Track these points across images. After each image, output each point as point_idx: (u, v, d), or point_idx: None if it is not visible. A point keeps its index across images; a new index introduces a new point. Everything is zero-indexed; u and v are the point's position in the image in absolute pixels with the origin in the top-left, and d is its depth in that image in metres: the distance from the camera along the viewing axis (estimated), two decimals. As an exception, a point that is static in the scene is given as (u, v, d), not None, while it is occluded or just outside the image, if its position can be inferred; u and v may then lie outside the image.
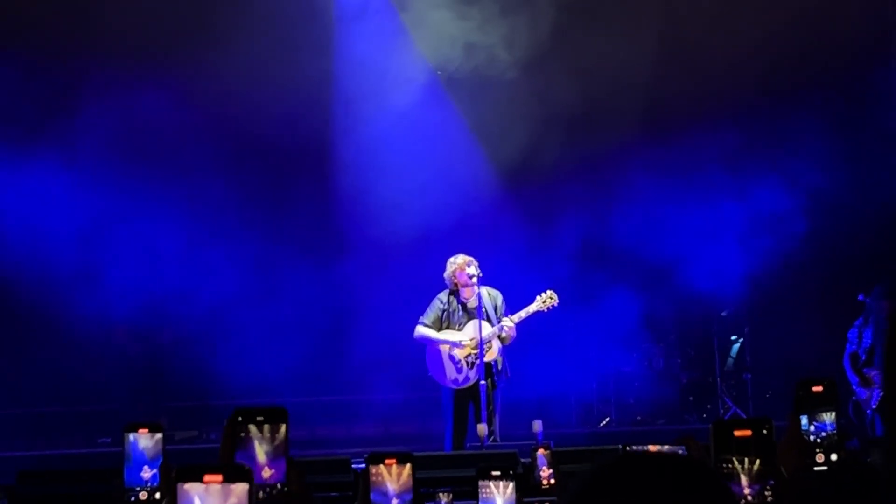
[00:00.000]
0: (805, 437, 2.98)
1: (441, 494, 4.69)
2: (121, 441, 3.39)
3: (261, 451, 2.20)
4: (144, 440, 3.39)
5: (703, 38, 12.72)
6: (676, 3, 13.03)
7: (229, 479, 1.85)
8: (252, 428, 2.21)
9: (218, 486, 1.84)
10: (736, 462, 2.58)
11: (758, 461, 2.57)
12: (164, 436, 3.37)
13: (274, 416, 2.23)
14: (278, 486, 2.20)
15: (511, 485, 3.44)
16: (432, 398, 10.69)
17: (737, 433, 2.60)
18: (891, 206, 13.64)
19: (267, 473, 2.19)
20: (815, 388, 3.03)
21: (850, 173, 13.39)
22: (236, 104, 12.93)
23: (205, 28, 12.92)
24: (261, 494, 2.18)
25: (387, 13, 13.92)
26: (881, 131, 13.57)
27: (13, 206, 13.14)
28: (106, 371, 13.42)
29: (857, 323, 11.01)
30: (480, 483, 3.47)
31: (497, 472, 3.47)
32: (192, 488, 1.85)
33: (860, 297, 10.76)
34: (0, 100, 13.10)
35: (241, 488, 1.85)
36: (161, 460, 3.35)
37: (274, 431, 2.22)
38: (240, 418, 2.22)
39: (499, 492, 3.45)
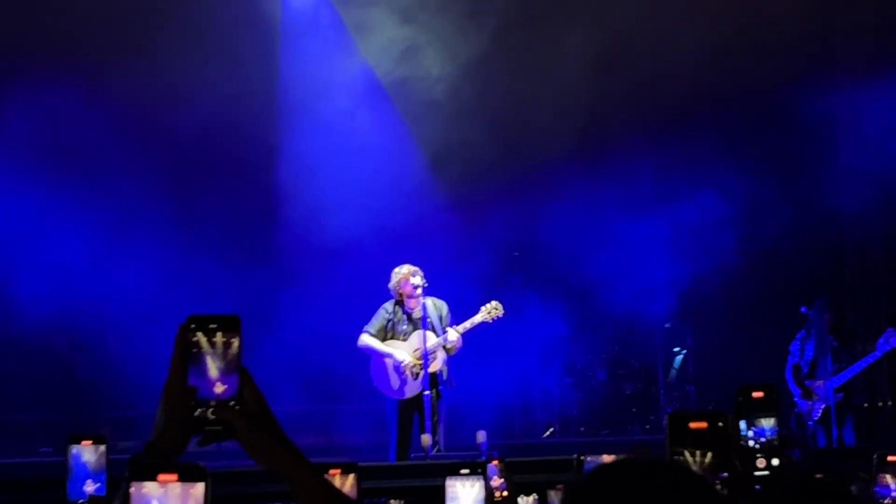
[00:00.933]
0: (743, 442, 2.98)
1: (392, 502, 4.65)
2: (64, 452, 3.32)
3: (213, 366, 2.13)
4: (88, 453, 3.33)
5: (640, 51, 12.82)
6: (615, 18, 13.08)
7: (184, 478, 1.82)
8: (203, 342, 2.14)
9: (173, 486, 1.81)
10: (688, 455, 2.56)
11: (710, 454, 2.56)
12: (107, 448, 3.30)
13: (227, 326, 2.15)
14: (231, 402, 2.13)
15: (479, 483, 3.41)
16: (375, 409, 10.64)
17: (692, 426, 2.58)
18: (829, 218, 13.79)
19: (219, 389, 2.12)
20: (755, 394, 3.03)
21: (789, 186, 13.50)
22: (166, 111, 12.76)
23: (140, 34, 12.78)
24: (206, 409, 2.12)
25: (332, 21, 13.89)
26: (819, 144, 13.68)
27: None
28: (45, 379, 13.22)
29: (799, 335, 11.10)
30: (448, 481, 3.44)
31: (466, 471, 3.44)
32: (145, 487, 1.81)
33: (803, 310, 10.84)
34: None
35: (196, 487, 1.82)
36: (105, 474, 3.29)
37: (227, 346, 2.14)
38: (192, 326, 2.15)
39: (465, 490, 3.42)
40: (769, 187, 13.44)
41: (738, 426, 2.99)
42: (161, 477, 1.82)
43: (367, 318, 10.20)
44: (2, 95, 12.86)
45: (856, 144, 13.58)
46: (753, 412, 3.02)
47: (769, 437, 3.00)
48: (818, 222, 13.62)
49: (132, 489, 1.82)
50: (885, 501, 3.17)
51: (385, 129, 13.84)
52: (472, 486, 3.43)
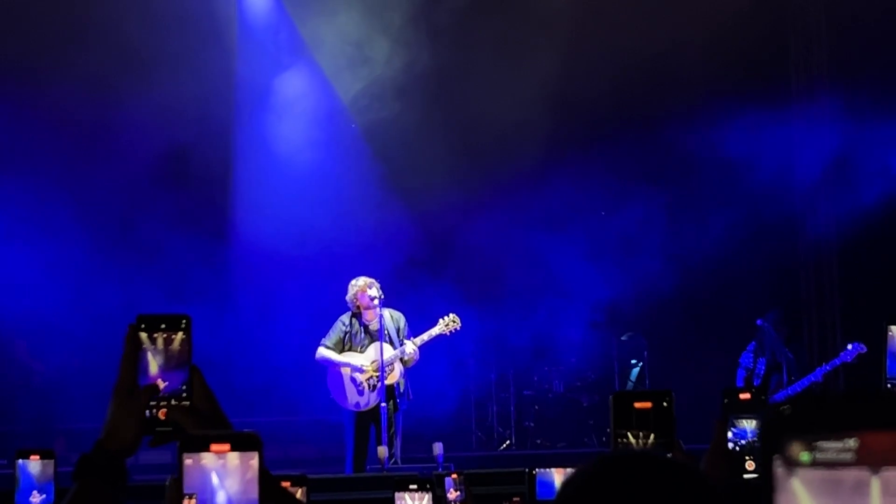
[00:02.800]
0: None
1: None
2: (11, 465, 3.32)
3: (153, 363, 2.11)
4: (34, 466, 3.33)
5: (592, 63, 12.98)
6: (550, 41, 13.22)
7: (237, 447, 1.79)
8: (145, 339, 2.12)
9: (225, 456, 1.78)
10: (631, 436, 2.52)
11: (652, 435, 2.52)
12: (56, 462, 3.31)
13: (173, 325, 2.13)
14: (173, 401, 2.10)
15: (427, 496, 3.43)
16: (332, 421, 10.60)
17: (637, 405, 2.54)
18: (784, 232, 13.92)
19: (161, 385, 2.10)
20: (742, 396, 2.99)
21: (743, 197, 13.59)
22: (106, 115, 12.68)
23: (83, 33, 12.68)
24: (155, 410, 2.09)
25: (287, 32, 13.89)
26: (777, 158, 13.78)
27: None
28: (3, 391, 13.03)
29: (750, 347, 11.09)
30: (397, 495, 3.46)
31: (414, 486, 3.46)
32: (198, 458, 1.78)
33: (758, 322, 10.88)
34: None
35: (249, 457, 1.79)
36: (52, 484, 3.29)
37: (169, 342, 2.12)
38: (143, 326, 2.12)
39: (413, 503, 3.44)
40: (726, 197, 13.56)
41: (725, 428, 2.94)
42: (214, 447, 1.79)
43: (319, 330, 10.18)
44: None
45: (809, 160, 13.74)
46: (737, 413, 2.97)
47: (750, 440, 2.94)
48: (773, 236, 13.72)
49: (186, 461, 1.78)
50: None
51: (336, 140, 13.83)
52: (421, 499, 3.45)
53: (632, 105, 13.76)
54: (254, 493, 1.77)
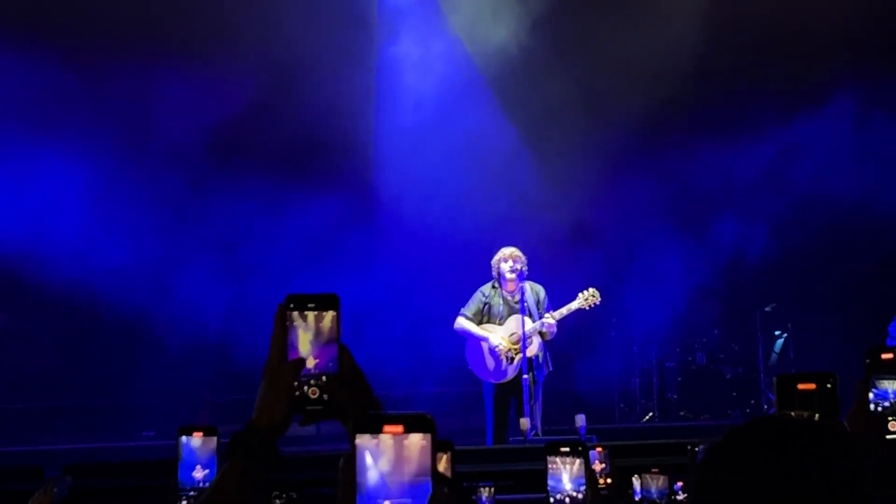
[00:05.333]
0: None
1: (482, 489, 4.67)
2: (174, 440, 3.43)
3: (304, 341, 2.13)
4: (197, 442, 3.42)
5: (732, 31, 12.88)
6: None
7: (410, 429, 1.79)
8: (296, 317, 2.15)
9: (398, 437, 1.78)
10: (794, 417, 2.51)
11: (816, 416, 2.51)
12: (218, 438, 3.40)
13: (321, 303, 2.15)
14: (324, 377, 2.12)
15: (578, 461, 3.42)
16: (473, 393, 10.66)
17: (800, 387, 2.52)
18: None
19: (311, 363, 2.12)
20: (884, 356, 2.89)
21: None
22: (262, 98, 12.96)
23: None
24: (305, 388, 2.11)
25: (429, 9, 13.97)
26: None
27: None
28: (145, 364, 13.39)
29: None
30: (549, 458, 3.45)
31: (566, 448, 3.45)
32: (370, 439, 1.79)
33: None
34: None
35: (422, 439, 1.79)
36: (215, 458, 3.38)
37: (319, 319, 2.14)
38: (291, 305, 2.16)
39: (566, 468, 3.43)
40: (869, 166, 13.26)
41: (867, 389, 2.84)
42: (387, 428, 1.79)
43: (458, 301, 10.24)
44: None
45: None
46: (879, 374, 2.87)
47: (893, 401, 2.85)
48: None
49: (358, 441, 1.79)
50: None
51: (475, 104, 13.86)
52: (573, 463, 3.44)
53: (772, 75, 13.53)
54: (416, 473, 1.78)
